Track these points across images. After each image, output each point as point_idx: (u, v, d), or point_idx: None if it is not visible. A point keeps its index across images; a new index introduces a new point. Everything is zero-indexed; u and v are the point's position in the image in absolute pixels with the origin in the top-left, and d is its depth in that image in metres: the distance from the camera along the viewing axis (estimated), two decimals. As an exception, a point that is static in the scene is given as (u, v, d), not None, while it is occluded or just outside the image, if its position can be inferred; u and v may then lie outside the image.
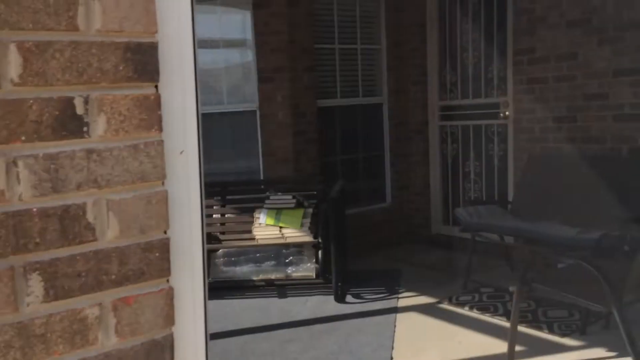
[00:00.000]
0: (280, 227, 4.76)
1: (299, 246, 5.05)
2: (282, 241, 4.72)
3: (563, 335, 3.69)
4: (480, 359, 3.47)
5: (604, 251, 3.75)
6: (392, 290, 4.77)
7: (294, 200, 4.82)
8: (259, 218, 4.80)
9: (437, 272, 5.22)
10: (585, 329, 3.71)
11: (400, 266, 5.46)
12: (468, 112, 5.75)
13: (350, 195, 5.98)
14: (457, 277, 4.87)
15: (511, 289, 3.25)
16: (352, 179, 6.02)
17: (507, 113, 5.31)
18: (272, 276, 5.14)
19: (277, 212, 4.80)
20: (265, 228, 4.78)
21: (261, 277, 5.13)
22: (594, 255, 3.84)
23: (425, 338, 3.80)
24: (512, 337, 3.27)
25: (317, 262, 4.80)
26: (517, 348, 3.54)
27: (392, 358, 3.53)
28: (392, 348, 3.66)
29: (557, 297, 3.14)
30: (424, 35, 5.90)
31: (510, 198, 5.20)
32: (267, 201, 4.88)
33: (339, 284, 4.79)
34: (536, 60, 4.89)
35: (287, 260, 5.21)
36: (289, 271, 5.16)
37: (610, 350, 3.43)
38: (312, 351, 3.68)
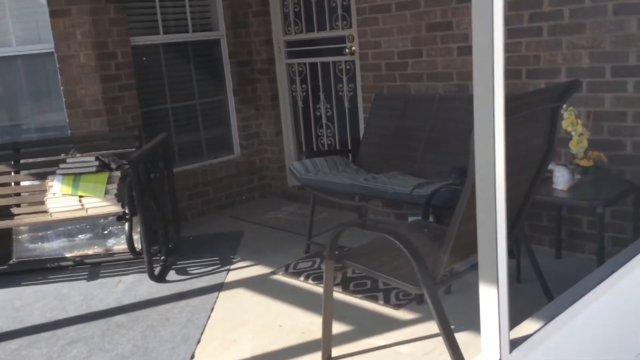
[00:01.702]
0: (80, 197, 3.91)
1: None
2: (82, 214, 3.89)
3: (398, 306, 3.20)
4: (295, 348, 2.90)
5: (440, 209, 3.24)
6: (226, 260, 4.11)
7: (96, 163, 3.97)
8: (52, 186, 3.92)
9: (282, 233, 4.61)
10: (450, 287, 3.25)
11: (244, 227, 4.81)
12: (315, 47, 5.04)
13: (189, 148, 5.20)
14: (301, 239, 4.28)
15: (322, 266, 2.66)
16: (189, 130, 5.22)
17: (352, 48, 4.64)
18: (90, 251, 4.33)
19: (75, 177, 3.93)
20: (62, 198, 3.92)
21: (75, 253, 4.32)
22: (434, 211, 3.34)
23: (242, 324, 3.18)
24: (326, 324, 2.70)
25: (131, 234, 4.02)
26: (343, 328, 3.03)
27: (193, 357, 2.89)
28: (199, 342, 3.02)
29: (369, 275, 2.57)
30: (261, -42, 5.05)
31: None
32: (61, 165, 3.99)
33: (163, 257, 4.08)
34: (377, -15, 4.21)
35: (105, 232, 4.40)
36: (108, 244, 4.37)
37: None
38: (99, 355, 2.97)
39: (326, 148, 5.16)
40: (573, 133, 3.15)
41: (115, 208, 3.91)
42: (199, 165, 5.18)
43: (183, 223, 4.77)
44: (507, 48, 3.61)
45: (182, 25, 5.02)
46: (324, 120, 5.14)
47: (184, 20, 5.02)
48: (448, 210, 3.26)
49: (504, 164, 1.81)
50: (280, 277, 3.75)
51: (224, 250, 4.31)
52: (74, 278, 4.00)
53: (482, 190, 1.84)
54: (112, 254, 4.25)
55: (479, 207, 1.87)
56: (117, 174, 4.00)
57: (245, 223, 4.93)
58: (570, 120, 3.14)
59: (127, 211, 3.82)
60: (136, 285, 3.80)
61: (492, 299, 1.89)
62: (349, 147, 4.89)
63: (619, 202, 3.14)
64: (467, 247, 2.50)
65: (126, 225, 3.85)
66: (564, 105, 2.98)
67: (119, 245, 4.31)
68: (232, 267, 3.99)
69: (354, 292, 3.40)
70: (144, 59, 4.82)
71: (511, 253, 3.48)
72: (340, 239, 2.74)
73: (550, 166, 3.16)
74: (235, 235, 4.62)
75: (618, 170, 3.31)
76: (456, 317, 2.89)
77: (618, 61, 3.22)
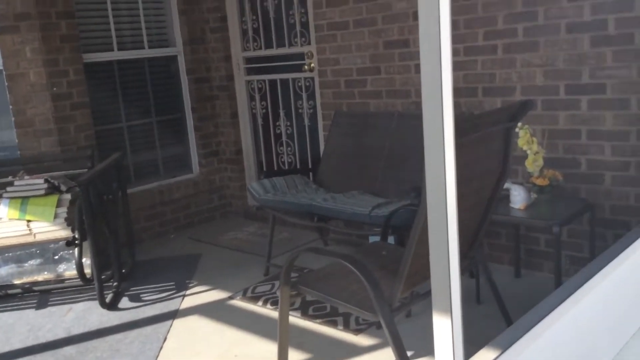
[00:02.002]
0: (28, 221, 3.75)
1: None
2: (30, 239, 3.71)
3: (358, 331, 3.12)
4: (251, 380, 2.80)
5: (400, 229, 3.19)
6: (182, 285, 3.98)
7: (45, 185, 3.81)
8: (-3, 212, 3.75)
9: (242, 254, 4.50)
10: (410, 310, 3.19)
11: (203, 249, 4.68)
12: (274, 64, 4.97)
13: (145, 168, 5.06)
14: (261, 261, 4.18)
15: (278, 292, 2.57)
16: (145, 149, 5.08)
17: (312, 65, 4.59)
18: (40, 277, 4.14)
19: (23, 201, 3.76)
20: (9, 223, 3.74)
21: (25, 279, 4.12)
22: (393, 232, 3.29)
23: (195, 354, 3.06)
24: (281, 353, 2.61)
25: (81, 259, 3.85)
26: (301, 356, 2.93)
27: (142, 391, 2.76)
28: (149, 374, 2.89)
29: (325, 301, 2.49)
30: (219, -27, 4.98)
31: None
32: (8, 188, 3.82)
33: (115, 283, 3.92)
34: (335, 2, 4.17)
35: (56, 257, 4.22)
36: (59, 270, 4.19)
37: (407, 348, 2.90)
38: (43, 391, 2.81)
39: (287, 166, 5.08)
40: (528, 152, 3.14)
41: (65, 232, 3.75)
42: (156, 185, 5.04)
43: (139, 246, 4.62)
44: (463, 66, 3.60)
45: (137, 41, 4.90)
46: (284, 138, 5.07)
47: (139, 37, 4.90)
48: (407, 230, 3.21)
49: (456, 187, 1.76)
50: (238, 302, 3.64)
51: (180, 275, 4.17)
52: (21, 307, 3.82)
53: (434, 217, 1.79)
54: (62, 281, 4.07)
55: (431, 233, 1.82)
56: (68, 196, 3.85)
57: (203, 245, 4.80)
58: (525, 139, 3.13)
59: (77, 236, 3.67)
60: (86, 313, 3.64)
61: (445, 328, 1.83)
62: (310, 166, 4.82)
63: (575, 220, 3.14)
64: (425, 270, 2.45)
65: (76, 251, 3.69)
66: (519, 124, 2.96)
67: (70, 270, 4.13)
68: (188, 292, 3.86)
69: (313, 317, 3.31)
70: (98, 76, 4.68)
71: (471, 273, 3.45)
72: (302, 260, 2.66)
73: (507, 185, 3.15)
74: (193, 258, 4.49)
75: (573, 189, 3.31)
76: (415, 342, 2.83)
77: (572, 79, 3.23)
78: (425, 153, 1.74)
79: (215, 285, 3.92)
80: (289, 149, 5.04)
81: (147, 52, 4.95)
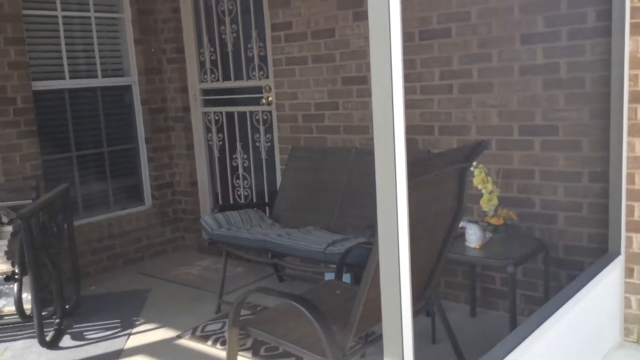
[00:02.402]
0: (-36, 255, 3.54)
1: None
2: (-36, 274, 3.50)
3: (311, 373, 3.01)
4: None
5: (355, 267, 3.13)
6: (128, 323, 3.80)
7: (-16, 217, 3.62)
8: None
9: (194, 290, 4.35)
10: (365, 351, 3.10)
11: (153, 285, 4.51)
12: (232, 96, 4.92)
13: (95, 199, 4.89)
14: (213, 297, 4.04)
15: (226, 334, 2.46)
16: (95, 179, 4.91)
17: (269, 98, 4.56)
18: (-23, 313, 3.89)
19: (-41, 234, 3.56)
20: (-59, 257, 3.53)
21: (-40, 316, 3.87)
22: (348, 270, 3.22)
23: (139, 398, 2.90)
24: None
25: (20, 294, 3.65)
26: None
27: None
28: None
29: (275, 344, 2.40)
30: (177, 3, 4.93)
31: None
32: (-57, 220, 3.61)
33: (57, 320, 3.72)
34: (294, 37, 4.17)
35: (-6, 292, 3.99)
36: (-1, 305, 3.95)
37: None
38: None
39: (243, 200, 4.99)
40: (484, 191, 3.15)
41: (5, 267, 3.54)
42: (105, 217, 4.86)
43: (85, 281, 4.42)
44: (420, 104, 3.62)
45: (91, 70, 4.77)
46: (240, 171, 4.98)
47: (93, 65, 4.78)
48: (363, 268, 3.15)
49: (411, 228, 1.72)
50: (186, 342, 3.49)
51: (127, 311, 3.99)
52: (-47, 346, 3.58)
53: (386, 259, 1.73)
54: (1, 317, 3.84)
55: (383, 276, 1.76)
56: (9, 229, 3.65)
57: (153, 280, 4.63)
58: (480, 178, 3.14)
59: (17, 270, 3.47)
60: (25, 353, 3.43)
61: (398, 376, 1.77)
62: (266, 200, 4.74)
63: (530, 260, 3.14)
64: (379, 312, 2.39)
65: (15, 286, 3.49)
66: (474, 163, 2.97)
67: (9, 306, 3.89)
68: (134, 330, 3.69)
69: (264, 358, 3.20)
70: (48, 104, 4.53)
71: (427, 312, 3.40)
72: (255, 296, 2.56)
73: (463, 223, 3.14)
74: (141, 294, 4.32)
75: (528, 228, 3.33)
76: (369, 385, 2.75)
77: (525, 120, 3.28)
78: (377, 195, 1.70)
79: (163, 323, 3.76)
80: (246, 182, 4.96)
81: (100, 81, 4.83)
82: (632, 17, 2.74)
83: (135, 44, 4.95)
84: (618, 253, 2.87)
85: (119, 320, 3.85)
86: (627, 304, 2.92)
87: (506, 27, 3.26)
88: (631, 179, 2.84)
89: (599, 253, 2.99)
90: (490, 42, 3.33)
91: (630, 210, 2.86)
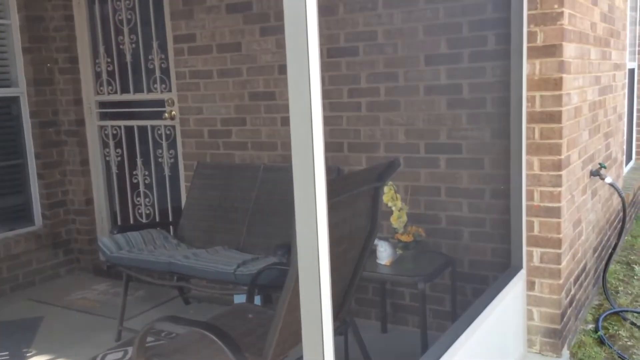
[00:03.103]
0: None
1: None
2: None
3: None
4: None
5: (267, 289, 3.05)
6: (17, 356, 3.47)
7: None
8: None
9: (91, 317, 4.06)
10: None
11: (45, 312, 4.16)
12: (131, 109, 4.68)
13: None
14: (113, 324, 3.78)
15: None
16: (-23, 199, 4.48)
17: (172, 113, 4.38)
18: None
19: None
20: None
21: None
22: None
23: None
24: None
25: None
26: None
27: None
28: None
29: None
30: (70, 10, 4.63)
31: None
32: None
33: None
34: (198, 50, 4.04)
35: None
36: None
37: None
38: None
39: (145, 219, 4.74)
40: (393, 208, 3.19)
41: None
42: (-13, 240, 4.45)
43: (-35, 311, 4.00)
44: (329, 121, 3.61)
45: (-29, 79, 4.37)
46: (142, 189, 4.74)
47: (-27, 74, 4.37)
48: (275, 290, 3.08)
49: (329, 250, 1.68)
50: (84, 374, 3.24)
51: (16, 342, 3.65)
52: None
53: (306, 281, 1.68)
54: None
55: (303, 298, 1.70)
56: None
57: (46, 306, 4.28)
58: (390, 195, 3.18)
59: None
60: None
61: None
62: (170, 219, 4.54)
63: (438, 275, 3.21)
64: (296, 336, 2.32)
65: None
66: (385, 181, 2.99)
67: None
68: (25, 364, 3.38)
69: (171, 388, 3.02)
70: None
71: (339, 331, 3.38)
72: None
73: (374, 241, 3.15)
74: (33, 322, 3.97)
75: (436, 244, 3.41)
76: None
77: (430, 138, 3.36)
78: (296, 214, 1.64)
79: (58, 354, 3.47)
80: (147, 200, 4.73)
81: (-18, 92, 4.42)
82: (529, 41, 2.88)
83: (23, 52, 4.59)
84: (520, 267, 2.99)
85: (6, 353, 3.50)
86: (530, 316, 3.06)
87: (411, 48, 3.34)
88: (530, 195, 2.98)
89: (503, 267, 3.10)
90: (396, 61, 3.39)
91: (530, 226, 3.00)
